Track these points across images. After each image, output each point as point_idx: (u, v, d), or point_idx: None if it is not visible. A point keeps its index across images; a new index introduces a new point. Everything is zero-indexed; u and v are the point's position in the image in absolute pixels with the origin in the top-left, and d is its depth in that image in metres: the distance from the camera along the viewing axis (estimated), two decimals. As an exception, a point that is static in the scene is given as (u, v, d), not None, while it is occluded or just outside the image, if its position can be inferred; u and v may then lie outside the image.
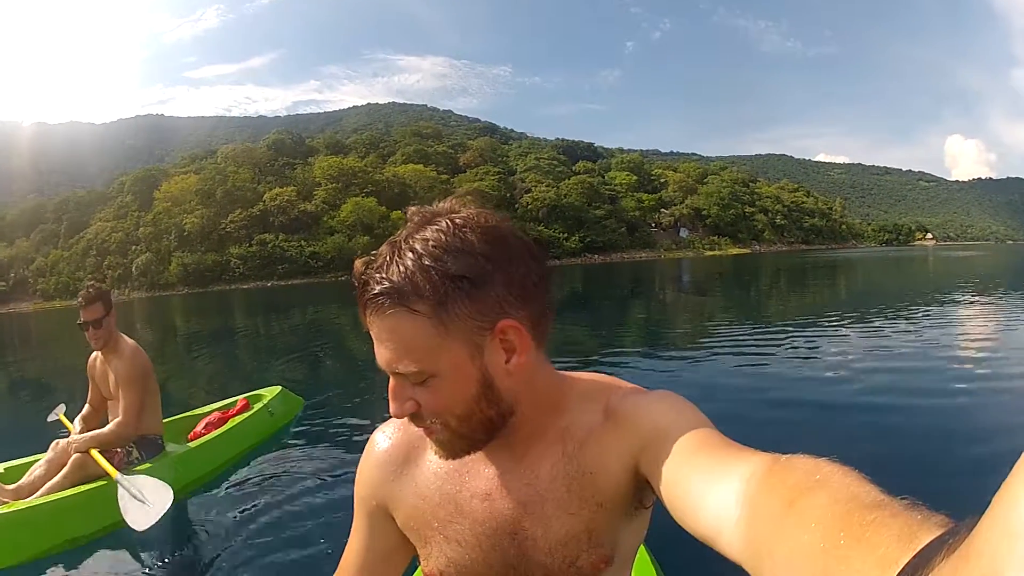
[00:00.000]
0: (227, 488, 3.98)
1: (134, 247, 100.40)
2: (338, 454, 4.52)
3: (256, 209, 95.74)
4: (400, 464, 0.86)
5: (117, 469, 3.35)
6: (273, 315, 23.73)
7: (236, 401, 5.09)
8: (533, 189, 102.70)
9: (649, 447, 0.70)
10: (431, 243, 0.67)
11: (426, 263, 0.66)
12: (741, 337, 9.06)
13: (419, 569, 1.07)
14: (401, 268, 0.67)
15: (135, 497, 3.02)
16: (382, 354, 0.71)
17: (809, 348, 7.80)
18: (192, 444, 4.22)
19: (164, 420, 4.31)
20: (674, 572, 1.93)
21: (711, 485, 0.55)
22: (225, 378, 9.26)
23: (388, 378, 0.72)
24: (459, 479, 0.82)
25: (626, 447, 0.74)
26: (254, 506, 3.64)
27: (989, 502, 0.23)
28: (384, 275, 0.67)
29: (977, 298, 13.66)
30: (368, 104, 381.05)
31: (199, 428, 4.60)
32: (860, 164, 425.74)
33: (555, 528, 0.77)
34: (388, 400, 0.73)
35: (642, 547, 1.84)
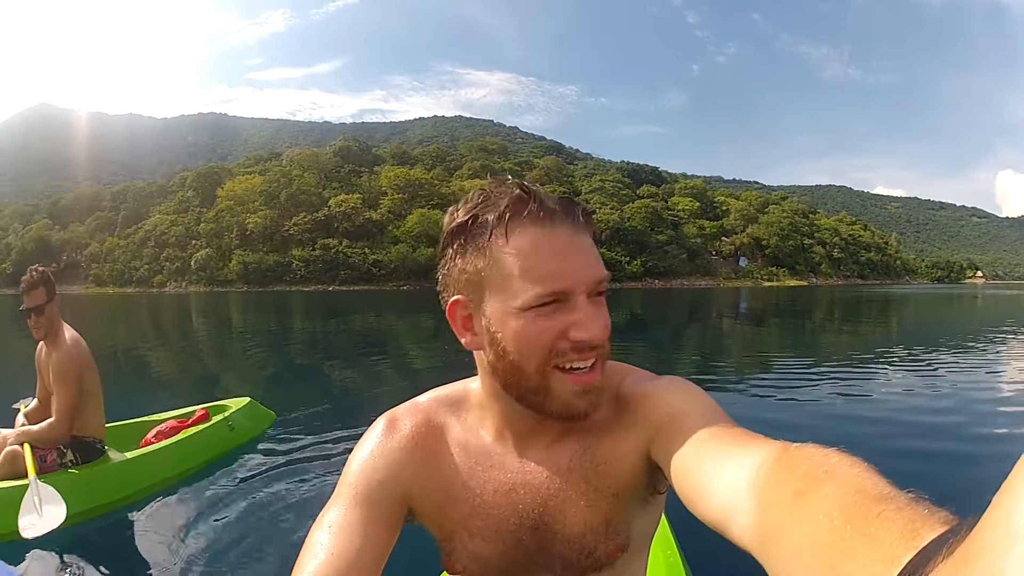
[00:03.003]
0: (166, 504, 3.62)
1: (194, 242, 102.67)
2: (301, 479, 4.03)
3: (320, 214, 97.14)
4: (425, 453, 0.82)
5: (48, 470, 3.27)
6: (318, 319, 23.27)
7: (195, 411, 4.67)
8: (597, 211, 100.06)
9: (661, 434, 0.71)
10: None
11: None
12: (787, 370, 8.95)
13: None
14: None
15: (34, 504, 2.86)
16: (591, 264, 0.70)
17: (851, 387, 7.54)
18: (131, 454, 3.80)
19: (116, 423, 4.18)
20: (695, 552, 1.92)
21: (721, 472, 0.56)
22: (213, 380, 8.85)
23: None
24: (483, 472, 0.81)
25: (638, 435, 0.74)
26: (192, 527, 3.31)
27: (989, 502, 0.23)
28: (576, 201, 0.72)
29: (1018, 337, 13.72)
30: (434, 116, 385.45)
31: (150, 436, 4.24)
32: (916, 198, 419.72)
33: (574, 520, 0.77)
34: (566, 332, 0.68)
35: (666, 527, 1.87)
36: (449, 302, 0.75)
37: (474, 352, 0.78)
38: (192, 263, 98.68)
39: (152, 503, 3.60)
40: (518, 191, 0.69)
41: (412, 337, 15.75)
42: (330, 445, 4.78)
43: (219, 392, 6.41)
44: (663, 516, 1.79)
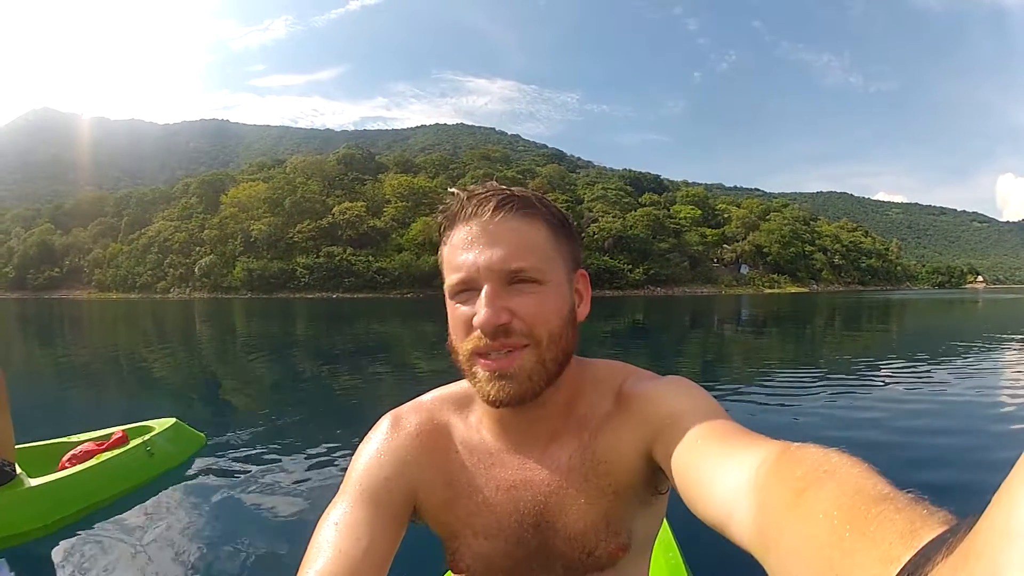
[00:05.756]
0: (78, 538, 3.27)
1: (198, 248, 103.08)
2: (232, 513, 3.62)
3: (325, 221, 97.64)
4: (430, 451, 0.83)
5: None
6: (306, 326, 22.86)
7: (113, 432, 4.26)
8: (600, 219, 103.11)
9: (662, 433, 0.71)
10: (537, 193, 0.76)
11: (544, 198, 0.76)
12: (788, 377, 8.89)
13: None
14: (525, 192, 0.75)
15: None
16: (495, 253, 0.70)
17: (851, 393, 7.52)
18: (40, 480, 3.47)
19: (31, 444, 3.96)
20: (696, 555, 1.91)
21: (722, 472, 0.56)
22: (152, 395, 8.15)
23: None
24: (486, 470, 0.81)
25: (639, 434, 0.75)
26: (100, 568, 3.01)
27: (989, 502, 0.23)
28: (511, 190, 0.74)
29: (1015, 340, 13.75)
30: (436, 124, 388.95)
31: (65, 460, 3.87)
32: (917, 204, 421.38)
33: (574, 518, 0.77)
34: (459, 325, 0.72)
35: (667, 530, 1.89)
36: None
37: None
38: (196, 269, 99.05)
39: (65, 536, 3.29)
40: (462, 194, 0.74)
41: (403, 346, 15.34)
42: (266, 476, 4.23)
43: (156, 408, 5.84)
44: (664, 520, 1.93)
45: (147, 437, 4.27)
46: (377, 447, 0.82)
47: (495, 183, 0.76)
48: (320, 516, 0.74)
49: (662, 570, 1.71)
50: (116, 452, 3.98)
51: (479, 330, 0.70)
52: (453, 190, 0.76)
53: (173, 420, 4.70)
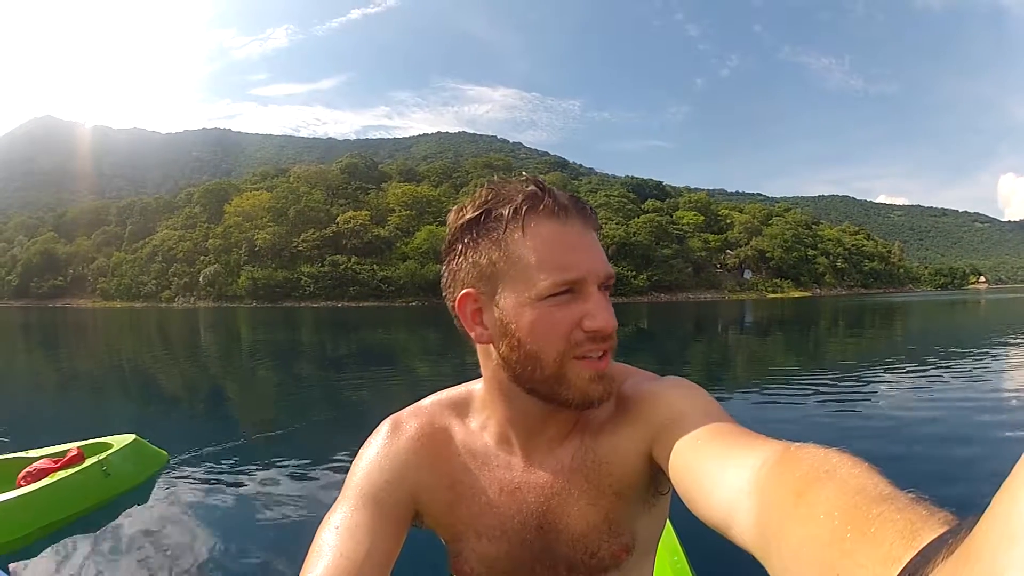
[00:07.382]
0: (19, 568, 3.06)
1: (202, 257, 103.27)
2: (198, 536, 3.35)
3: (329, 230, 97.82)
4: (431, 454, 0.83)
5: None
6: (313, 335, 22.83)
7: (70, 449, 4.02)
8: (603, 226, 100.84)
9: (663, 434, 0.71)
10: None
11: None
12: (792, 381, 9.00)
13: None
14: None
15: None
16: (601, 259, 0.73)
17: (854, 395, 7.64)
18: None
19: None
20: (701, 558, 1.91)
21: (723, 473, 0.56)
22: (123, 406, 7.83)
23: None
24: (489, 472, 0.82)
25: (640, 435, 0.75)
26: None
27: (989, 502, 0.23)
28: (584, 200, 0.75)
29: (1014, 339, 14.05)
30: (438, 132, 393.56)
31: (20, 478, 3.73)
32: (919, 206, 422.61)
33: (576, 519, 0.78)
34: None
35: (672, 534, 1.91)
36: (459, 296, 0.75)
37: (479, 348, 0.78)
38: (201, 278, 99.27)
39: (15, 559, 3.12)
40: (532, 187, 0.72)
41: (407, 354, 15.33)
42: (240, 493, 4.00)
43: (126, 422, 5.50)
44: (668, 522, 1.81)
45: (104, 455, 4.07)
46: (377, 451, 0.83)
47: (523, 174, 0.75)
48: (314, 524, 0.74)
49: (667, 573, 1.72)
50: (70, 471, 3.80)
51: (591, 333, 0.70)
52: (524, 175, 0.75)
53: (132, 437, 4.46)
